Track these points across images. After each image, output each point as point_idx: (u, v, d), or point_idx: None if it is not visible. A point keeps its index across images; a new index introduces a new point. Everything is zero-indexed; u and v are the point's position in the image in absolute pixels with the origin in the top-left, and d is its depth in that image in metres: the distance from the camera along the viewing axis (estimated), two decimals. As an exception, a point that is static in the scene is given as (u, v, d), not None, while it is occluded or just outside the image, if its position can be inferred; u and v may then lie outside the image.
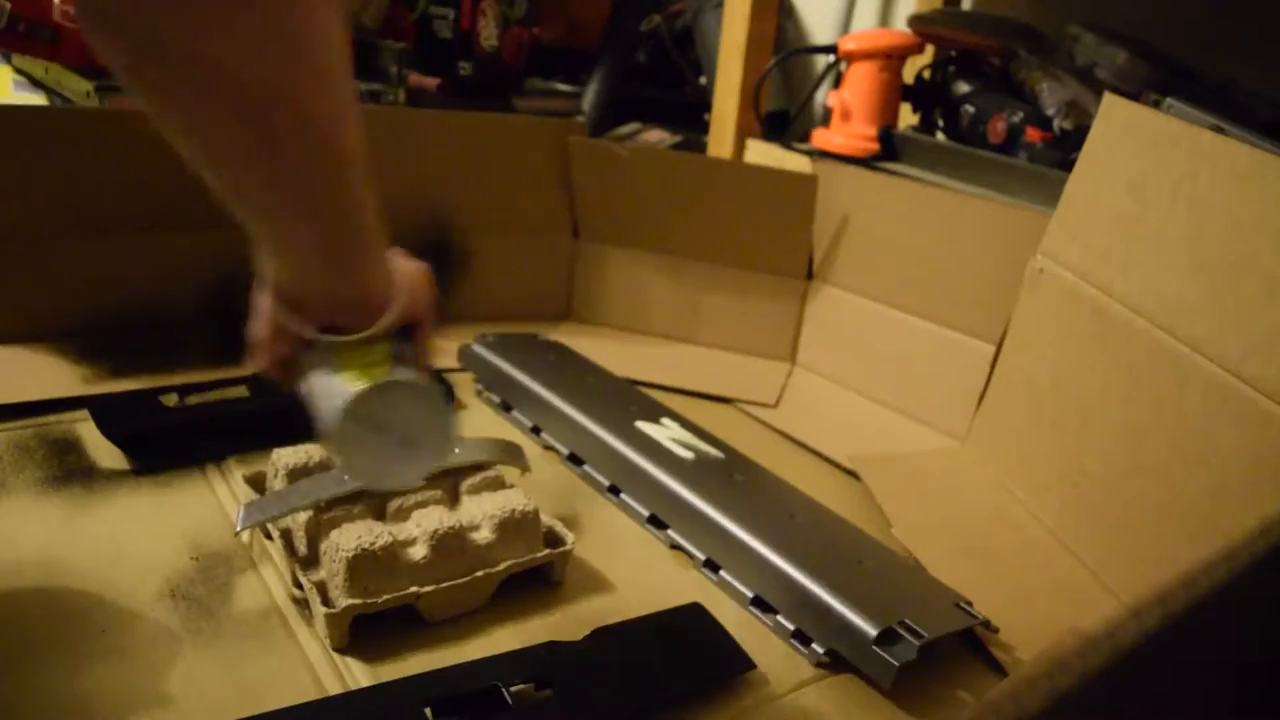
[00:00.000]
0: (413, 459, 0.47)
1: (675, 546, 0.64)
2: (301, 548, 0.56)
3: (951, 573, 0.62)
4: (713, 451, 0.71)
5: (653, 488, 0.66)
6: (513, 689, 0.47)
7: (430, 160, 0.93)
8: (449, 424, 0.45)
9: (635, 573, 0.61)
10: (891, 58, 1.10)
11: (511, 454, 0.64)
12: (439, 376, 0.82)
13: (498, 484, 0.61)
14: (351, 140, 0.41)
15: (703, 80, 1.56)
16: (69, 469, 0.63)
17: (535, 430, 0.77)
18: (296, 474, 0.58)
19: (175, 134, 0.38)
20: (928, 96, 1.12)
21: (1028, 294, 0.76)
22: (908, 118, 1.16)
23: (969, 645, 0.58)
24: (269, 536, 0.57)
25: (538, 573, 0.58)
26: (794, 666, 0.55)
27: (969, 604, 0.57)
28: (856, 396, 0.92)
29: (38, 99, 1.07)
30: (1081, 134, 0.73)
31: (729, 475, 0.68)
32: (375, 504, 0.57)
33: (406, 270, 0.51)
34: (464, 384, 0.84)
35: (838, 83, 1.14)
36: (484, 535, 0.56)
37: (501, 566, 0.55)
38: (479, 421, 0.80)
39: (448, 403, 0.43)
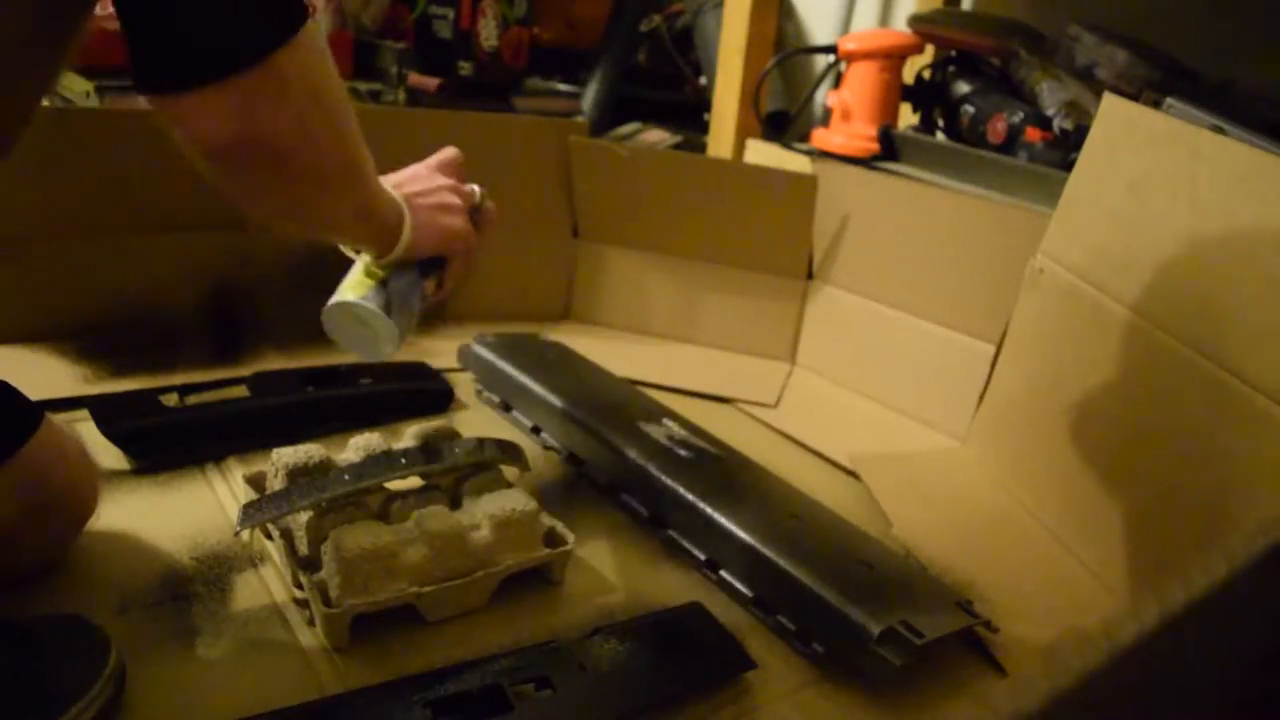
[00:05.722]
0: (370, 348, 0.60)
1: (675, 546, 0.64)
2: (302, 548, 0.56)
3: (951, 573, 0.62)
4: (713, 451, 0.71)
5: (653, 488, 0.66)
6: (513, 689, 0.47)
7: (430, 160, 0.93)
8: (380, 337, 0.58)
9: (635, 573, 0.62)
10: (891, 58, 1.10)
11: (511, 454, 0.64)
12: (437, 376, 0.82)
13: (498, 484, 0.61)
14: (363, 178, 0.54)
15: (703, 80, 1.56)
16: (69, 469, 0.63)
17: (535, 430, 0.77)
18: (296, 474, 0.58)
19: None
20: (928, 96, 1.12)
21: (1028, 294, 0.76)
22: (908, 118, 1.16)
23: (969, 645, 0.58)
24: (269, 536, 0.57)
25: (538, 573, 0.58)
26: (794, 666, 0.55)
27: (969, 604, 0.57)
28: (856, 396, 0.92)
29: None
30: (1081, 134, 0.73)
31: (729, 475, 0.68)
32: (376, 504, 0.57)
33: (420, 209, 0.60)
34: (464, 384, 0.84)
35: (838, 83, 1.14)
36: (484, 535, 0.56)
37: (501, 566, 0.55)
38: (479, 421, 0.80)
39: (388, 320, 0.57)
